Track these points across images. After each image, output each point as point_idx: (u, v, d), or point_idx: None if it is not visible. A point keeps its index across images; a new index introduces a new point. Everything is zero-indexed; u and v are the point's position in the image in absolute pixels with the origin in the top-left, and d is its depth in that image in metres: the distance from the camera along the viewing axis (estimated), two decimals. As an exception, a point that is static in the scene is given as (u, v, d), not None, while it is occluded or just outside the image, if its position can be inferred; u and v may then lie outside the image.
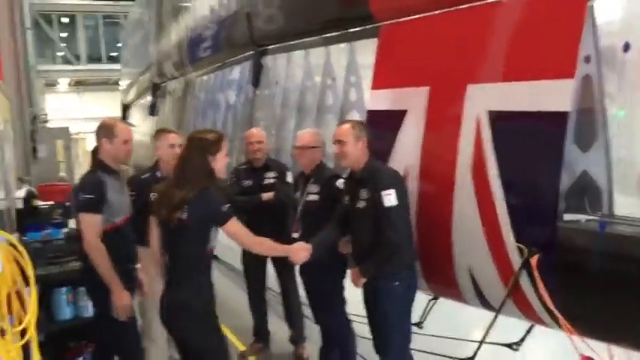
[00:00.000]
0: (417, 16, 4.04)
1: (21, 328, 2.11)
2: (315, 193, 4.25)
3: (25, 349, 2.30)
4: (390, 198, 3.49)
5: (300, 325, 5.28)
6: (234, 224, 3.21)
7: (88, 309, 4.63)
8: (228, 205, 3.20)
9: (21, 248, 2.26)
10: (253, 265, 5.18)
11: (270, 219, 4.67)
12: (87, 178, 3.71)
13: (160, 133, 4.54)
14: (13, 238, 2.30)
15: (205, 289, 3.23)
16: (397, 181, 3.60)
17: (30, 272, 2.26)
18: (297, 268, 4.76)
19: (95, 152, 3.77)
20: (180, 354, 3.46)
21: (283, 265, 5.12)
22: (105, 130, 3.72)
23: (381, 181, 3.54)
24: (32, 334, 2.16)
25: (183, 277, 3.17)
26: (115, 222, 3.66)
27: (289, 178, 5.04)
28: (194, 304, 3.16)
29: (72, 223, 4.89)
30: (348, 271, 4.02)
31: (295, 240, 4.33)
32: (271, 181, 4.99)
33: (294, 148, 4.55)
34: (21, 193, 6.28)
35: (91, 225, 3.52)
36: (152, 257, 3.60)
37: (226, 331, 5.65)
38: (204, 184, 3.12)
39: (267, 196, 4.90)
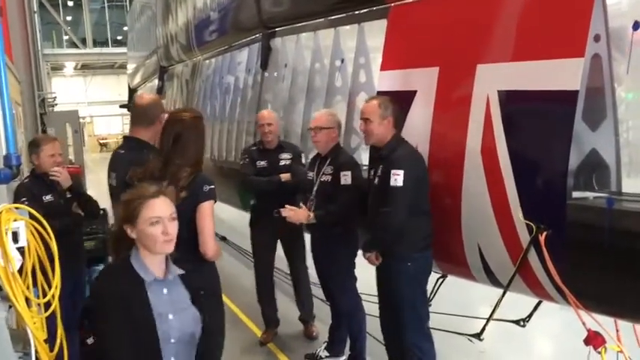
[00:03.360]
0: (426, -3, 4.06)
1: (46, 300, 2.18)
2: (329, 174, 4.29)
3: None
4: (396, 178, 3.53)
5: (310, 305, 5.36)
6: (211, 206, 3.06)
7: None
8: (212, 186, 3.09)
9: (45, 223, 2.33)
10: (263, 245, 5.23)
11: (281, 200, 4.71)
12: None
13: None
14: (36, 213, 2.35)
15: (214, 271, 3.20)
16: (411, 164, 3.61)
17: (54, 246, 2.32)
18: (308, 246, 4.81)
19: (127, 137, 3.62)
20: None
21: (293, 244, 5.19)
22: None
23: (395, 160, 3.60)
24: (56, 306, 2.24)
25: (185, 260, 3.11)
26: None
27: (304, 159, 5.10)
28: (213, 287, 3.16)
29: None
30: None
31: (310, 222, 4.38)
32: (287, 162, 5.04)
33: (309, 130, 4.59)
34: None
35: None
36: None
37: (238, 311, 5.76)
38: (201, 165, 3.10)
39: (285, 176, 4.94)
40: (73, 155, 11.80)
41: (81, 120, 14.44)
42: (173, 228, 2.23)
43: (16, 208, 2.18)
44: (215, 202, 3.08)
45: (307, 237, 4.91)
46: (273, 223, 4.80)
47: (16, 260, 2.09)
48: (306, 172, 4.65)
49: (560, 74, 2.96)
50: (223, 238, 8.71)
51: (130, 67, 20.84)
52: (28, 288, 2.22)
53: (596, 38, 2.91)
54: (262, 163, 5.07)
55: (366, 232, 4.03)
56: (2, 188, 2.21)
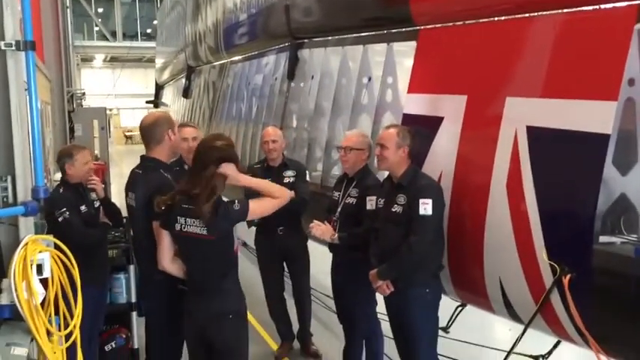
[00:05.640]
0: (457, 24, 4.01)
1: (67, 331, 2.20)
2: (354, 197, 4.27)
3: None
4: (426, 207, 3.54)
5: (309, 324, 5.32)
6: (253, 206, 3.18)
7: (123, 295, 4.80)
8: (238, 201, 3.15)
9: (68, 252, 2.35)
10: (269, 263, 5.23)
11: (284, 218, 4.59)
12: None
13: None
14: (60, 242, 2.38)
15: (241, 292, 3.27)
16: (436, 192, 3.63)
17: (76, 275, 2.34)
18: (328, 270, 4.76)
19: (144, 157, 3.61)
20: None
21: (297, 264, 5.18)
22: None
23: (421, 189, 3.61)
24: (77, 336, 2.26)
25: (217, 284, 3.16)
26: None
27: (308, 177, 5.06)
28: (240, 309, 3.23)
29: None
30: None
31: (332, 243, 4.35)
32: (291, 179, 4.95)
33: (338, 148, 4.56)
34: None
35: None
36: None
37: (254, 323, 5.76)
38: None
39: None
40: (98, 151, 11.95)
41: (108, 112, 14.57)
42: None
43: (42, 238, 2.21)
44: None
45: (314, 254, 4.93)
46: (277, 240, 4.89)
47: (39, 294, 2.11)
48: (309, 190, 4.67)
49: (593, 116, 2.91)
50: (244, 244, 8.73)
51: (158, 61, 21.02)
52: (50, 316, 2.25)
53: (631, 82, 2.85)
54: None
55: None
56: (29, 220, 2.23)
